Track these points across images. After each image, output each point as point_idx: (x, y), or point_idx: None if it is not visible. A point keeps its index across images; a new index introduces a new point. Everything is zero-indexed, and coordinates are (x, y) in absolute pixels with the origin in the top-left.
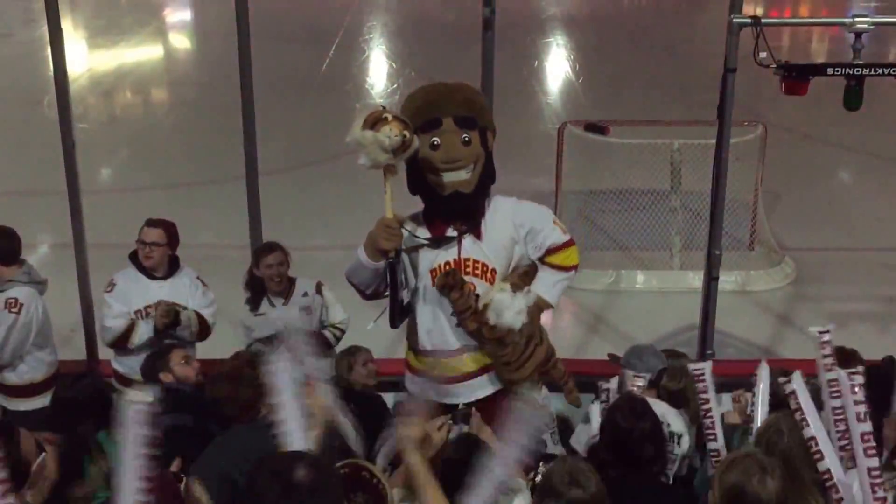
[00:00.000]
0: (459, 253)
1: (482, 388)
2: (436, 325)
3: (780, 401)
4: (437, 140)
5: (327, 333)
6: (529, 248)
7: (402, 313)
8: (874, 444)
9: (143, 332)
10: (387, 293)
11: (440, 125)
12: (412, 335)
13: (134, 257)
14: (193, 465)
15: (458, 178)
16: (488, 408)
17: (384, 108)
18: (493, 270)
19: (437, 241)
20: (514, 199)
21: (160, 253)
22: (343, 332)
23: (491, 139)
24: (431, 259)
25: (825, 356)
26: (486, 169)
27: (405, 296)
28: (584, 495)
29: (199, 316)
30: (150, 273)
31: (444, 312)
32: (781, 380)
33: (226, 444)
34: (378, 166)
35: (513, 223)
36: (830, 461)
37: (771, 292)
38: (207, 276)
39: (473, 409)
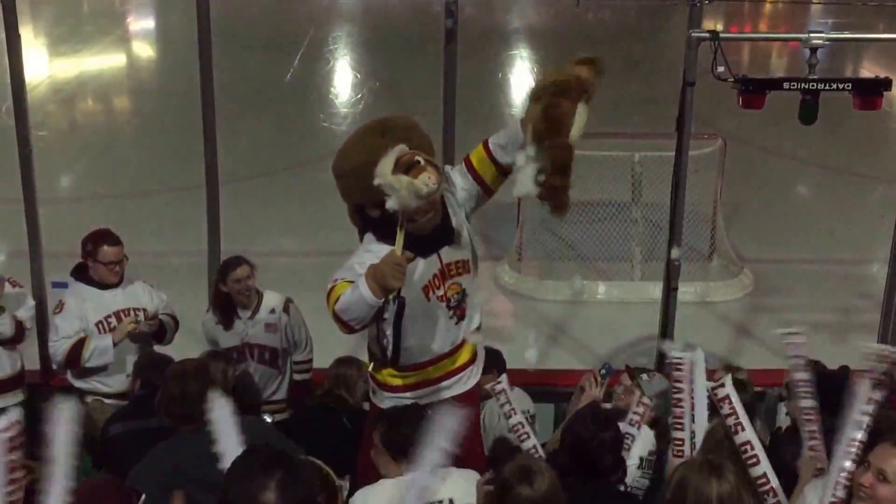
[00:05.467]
0: (441, 262)
1: (468, 380)
2: (437, 330)
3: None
4: None
5: (296, 377)
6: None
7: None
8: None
9: (98, 346)
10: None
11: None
12: (399, 354)
13: (80, 272)
14: (131, 474)
15: (430, 216)
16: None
17: (410, 147)
18: (467, 262)
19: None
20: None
21: (123, 267)
22: (308, 370)
23: None
24: (421, 278)
25: (795, 357)
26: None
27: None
28: (532, 493)
29: (173, 318)
30: (102, 284)
31: (442, 316)
32: (711, 385)
33: (169, 452)
34: (407, 209)
35: (454, 211)
36: (766, 466)
37: (729, 303)
38: (166, 284)
39: None
